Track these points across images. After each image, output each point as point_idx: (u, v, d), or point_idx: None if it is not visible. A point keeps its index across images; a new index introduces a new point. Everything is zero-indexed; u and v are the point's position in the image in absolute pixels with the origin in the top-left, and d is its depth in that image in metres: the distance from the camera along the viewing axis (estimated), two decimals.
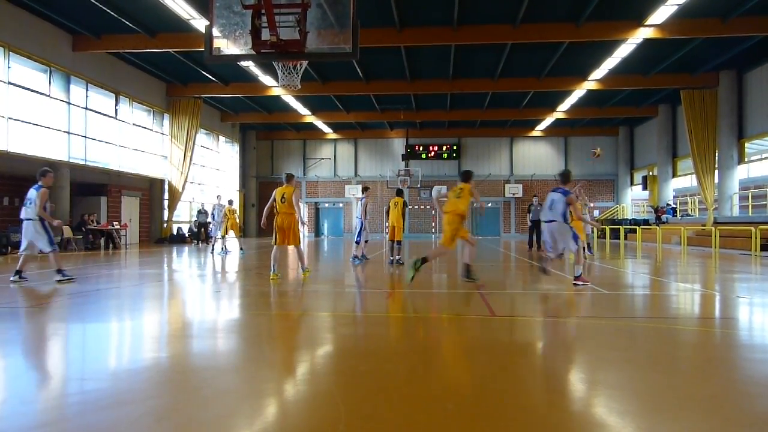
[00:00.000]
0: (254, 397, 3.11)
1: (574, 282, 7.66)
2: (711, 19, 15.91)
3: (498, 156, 34.48)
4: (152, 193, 23.96)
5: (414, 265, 7.80)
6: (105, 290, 7.80)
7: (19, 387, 3.31)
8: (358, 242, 12.84)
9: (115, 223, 19.71)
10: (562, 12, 15.96)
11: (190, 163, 24.49)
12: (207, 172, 29.03)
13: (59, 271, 8.29)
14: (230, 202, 17.38)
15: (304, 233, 35.50)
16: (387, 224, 12.55)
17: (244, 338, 4.80)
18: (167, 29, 17.12)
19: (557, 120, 29.63)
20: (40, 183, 8.32)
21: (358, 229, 12.84)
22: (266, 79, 21.63)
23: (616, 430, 2.58)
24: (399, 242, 12.03)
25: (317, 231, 35.69)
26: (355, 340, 4.70)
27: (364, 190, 13.47)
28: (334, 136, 34.31)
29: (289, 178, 8.89)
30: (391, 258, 11.89)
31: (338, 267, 12.42)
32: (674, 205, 26.05)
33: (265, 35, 6.85)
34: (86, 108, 19.21)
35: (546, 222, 7.97)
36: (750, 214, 19.92)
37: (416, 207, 34.36)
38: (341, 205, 35.43)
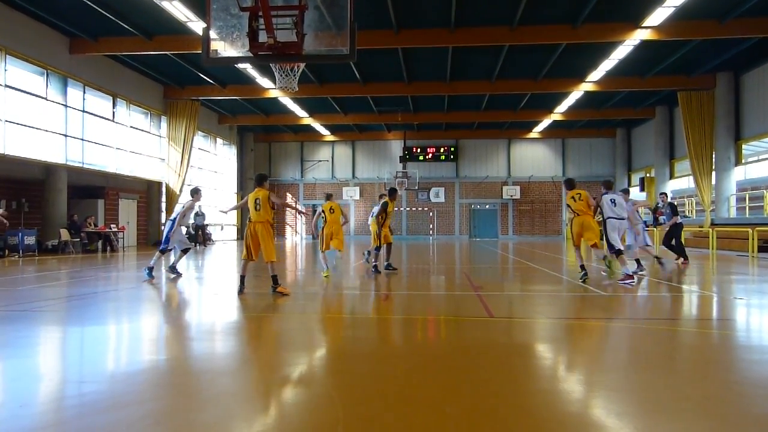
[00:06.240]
0: (253, 400, 3.11)
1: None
2: (708, 21, 15.94)
3: (495, 158, 34.50)
4: (150, 195, 23.90)
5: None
6: (103, 293, 7.78)
7: (18, 390, 3.29)
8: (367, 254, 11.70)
9: (112, 225, 19.67)
10: (559, 14, 15.98)
11: (187, 166, 24.42)
12: (205, 174, 28.99)
13: None
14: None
15: (303, 235, 35.48)
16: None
17: (241, 340, 4.79)
18: (164, 32, 17.09)
19: (555, 122, 29.67)
20: None
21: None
22: (264, 81, 21.61)
23: (614, 430, 2.58)
24: (377, 248, 10.80)
25: (315, 233, 35.55)
26: (353, 342, 4.69)
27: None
28: (331, 138, 34.31)
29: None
30: (387, 262, 11.00)
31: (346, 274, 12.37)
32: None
33: (263, 37, 6.83)
34: (83, 111, 19.16)
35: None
36: (747, 216, 19.95)
37: (414, 209, 34.36)
38: None
